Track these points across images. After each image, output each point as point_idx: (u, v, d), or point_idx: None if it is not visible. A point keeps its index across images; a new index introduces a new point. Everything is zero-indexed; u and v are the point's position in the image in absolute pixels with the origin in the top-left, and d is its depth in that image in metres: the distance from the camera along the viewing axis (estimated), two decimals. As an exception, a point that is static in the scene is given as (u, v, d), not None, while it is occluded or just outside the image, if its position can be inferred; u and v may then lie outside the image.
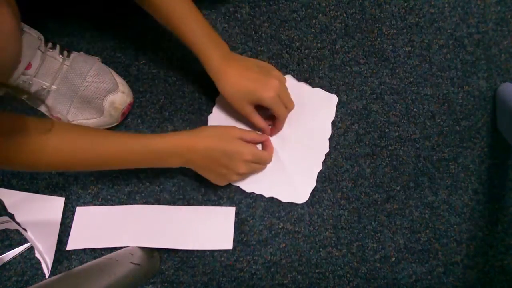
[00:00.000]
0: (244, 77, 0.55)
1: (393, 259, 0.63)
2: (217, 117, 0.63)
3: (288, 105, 0.59)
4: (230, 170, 0.56)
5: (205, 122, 0.64)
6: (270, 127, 0.62)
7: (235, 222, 0.61)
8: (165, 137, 0.53)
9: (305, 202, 0.62)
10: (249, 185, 0.62)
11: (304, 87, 0.64)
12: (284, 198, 0.62)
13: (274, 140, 0.62)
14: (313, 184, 0.62)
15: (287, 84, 0.62)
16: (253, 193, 0.62)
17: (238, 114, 0.60)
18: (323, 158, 0.63)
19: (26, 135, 0.45)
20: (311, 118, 0.63)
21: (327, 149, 0.63)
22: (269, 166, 0.62)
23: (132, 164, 0.54)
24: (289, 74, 0.64)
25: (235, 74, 0.55)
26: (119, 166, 0.53)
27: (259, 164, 0.60)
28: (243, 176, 0.60)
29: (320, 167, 0.63)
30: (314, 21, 0.66)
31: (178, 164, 0.55)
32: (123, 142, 0.52)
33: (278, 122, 0.60)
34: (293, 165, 0.62)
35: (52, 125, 0.48)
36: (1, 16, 0.31)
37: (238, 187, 0.62)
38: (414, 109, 0.65)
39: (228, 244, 0.60)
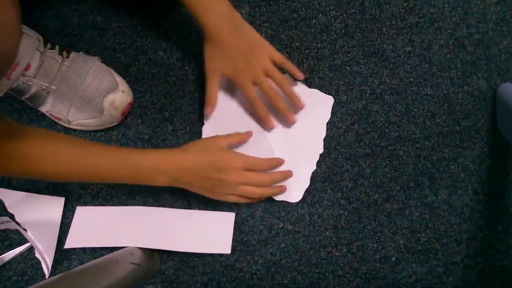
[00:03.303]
0: (226, 53, 0.54)
1: (393, 259, 0.63)
2: (212, 122, 0.63)
3: (280, 86, 0.57)
4: (223, 182, 0.54)
5: (205, 122, 0.64)
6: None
7: (236, 223, 0.61)
8: (150, 153, 0.52)
9: (304, 203, 0.62)
10: None
11: (300, 87, 0.64)
12: (277, 197, 0.62)
13: (269, 139, 0.62)
14: (306, 184, 0.62)
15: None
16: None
17: (232, 120, 0.60)
18: (317, 158, 0.63)
19: None
20: (306, 118, 0.63)
21: (321, 150, 0.63)
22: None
23: (114, 178, 0.51)
24: (286, 74, 0.64)
25: (221, 49, 0.53)
26: (99, 179, 0.51)
27: (254, 171, 0.57)
28: (240, 188, 0.56)
29: (314, 167, 0.63)
30: (314, 21, 0.66)
31: (166, 183, 0.53)
32: (105, 154, 0.50)
33: (251, 105, 0.59)
34: (287, 164, 0.62)
35: (27, 131, 0.46)
36: (4, 7, 0.31)
37: None
38: (414, 109, 0.65)
39: (226, 249, 0.60)
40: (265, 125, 0.61)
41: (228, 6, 0.53)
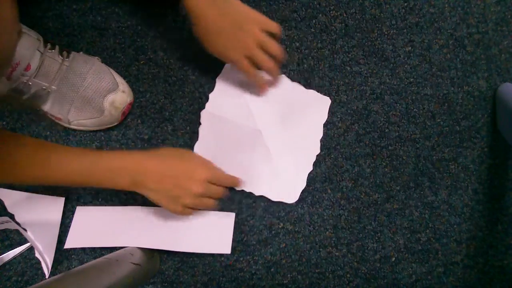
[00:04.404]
0: (214, 34, 0.53)
1: (393, 259, 0.63)
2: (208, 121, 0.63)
3: (274, 53, 0.56)
4: (184, 190, 0.53)
5: (205, 122, 0.64)
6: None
7: (236, 223, 0.61)
8: (115, 154, 0.51)
9: (304, 203, 0.62)
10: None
11: (297, 88, 0.64)
12: (274, 198, 0.62)
13: (266, 139, 0.62)
14: (303, 184, 0.62)
15: (280, 84, 0.63)
16: (251, 193, 0.62)
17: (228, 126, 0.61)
18: (314, 159, 0.63)
19: None
20: (303, 119, 0.63)
21: (318, 151, 0.63)
22: (260, 165, 0.62)
23: (76, 181, 0.50)
24: (282, 74, 0.64)
25: (209, 32, 0.53)
26: (60, 182, 0.50)
27: (216, 185, 0.56)
28: (200, 200, 0.55)
29: (310, 168, 0.63)
30: (314, 21, 0.66)
31: (127, 186, 0.51)
32: (68, 155, 0.48)
33: (247, 77, 0.58)
34: (284, 165, 0.62)
35: None
36: (1, 3, 0.31)
37: (231, 187, 0.62)
38: (414, 109, 0.65)
39: (226, 249, 0.60)
40: (263, 91, 0.62)
41: None
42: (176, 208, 0.54)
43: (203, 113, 0.63)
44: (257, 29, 0.54)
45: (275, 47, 0.56)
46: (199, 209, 0.58)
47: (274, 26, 0.56)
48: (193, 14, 0.53)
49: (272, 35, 0.56)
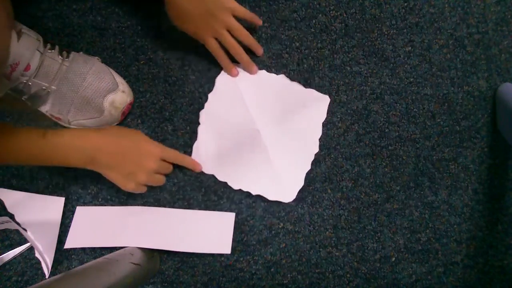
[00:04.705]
0: (186, 18, 0.55)
1: (393, 259, 0.63)
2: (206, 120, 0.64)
3: (241, 38, 0.59)
4: (139, 167, 0.55)
5: (205, 122, 0.64)
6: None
7: (236, 222, 0.61)
8: (70, 131, 0.51)
9: (304, 203, 0.62)
10: (236, 182, 0.62)
11: (296, 87, 0.64)
12: (271, 197, 0.62)
13: (264, 138, 0.62)
14: (300, 183, 0.62)
15: (279, 84, 0.63)
16: (249, 193, 0.62)
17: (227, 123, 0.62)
18: (312, 158, 0.63)
19: None
20: (302, 117, 0.63)
21: (316, 150, 0.63)
22: (258, 164, 0.62)
23: (28, 159, 0.50)
24: (282, 73, 0.64)
25: (180, 13, 0.55)
26: (14, 161, 0.50)
27: (167, 163, 0.59)
28: (150, 177, 0.57)
29: (308, 167, 0.63)
30: (314, 21, 0.66)
31: (81, 163, 0.52)
32: (21, 133, 0.48)
33: (217, 59, 0.61)
34: (281, 164, 0.62)
35: None
36: None
37: (230, 187, 0.62)
38: (414, 109, 0.65)
39: (226, 249, 0.60)
40: (230, 73, 0.63)
41: None
42: (130, 184, 0.56)
43: (202, 113, 0.63)
44: (228, 14, 0.56)
45: (243, 32, 0.59)
46: (151, 186, 0.60)
47: (243, 11, 0.58)
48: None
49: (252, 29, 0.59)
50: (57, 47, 0.57)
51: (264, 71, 0.64)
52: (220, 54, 0.61)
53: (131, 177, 0.56)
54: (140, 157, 0.55)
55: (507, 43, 0.66)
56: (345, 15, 0.66)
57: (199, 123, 0.63)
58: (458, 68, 0.66)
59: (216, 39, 0.59)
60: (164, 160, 0.59)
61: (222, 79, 0.64)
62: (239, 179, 0.62)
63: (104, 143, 0.52)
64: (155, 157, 0.57)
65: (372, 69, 0.65)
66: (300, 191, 0.62)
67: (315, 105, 0.64)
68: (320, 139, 0.63)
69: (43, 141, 0.49)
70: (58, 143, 0.50)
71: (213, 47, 0.60)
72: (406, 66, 0.66)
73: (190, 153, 0.62)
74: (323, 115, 0.64)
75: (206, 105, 0.63)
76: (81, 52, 0.60)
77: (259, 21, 0.61)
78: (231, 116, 0.63)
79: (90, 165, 0.53)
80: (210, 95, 0.63)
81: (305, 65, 0.65)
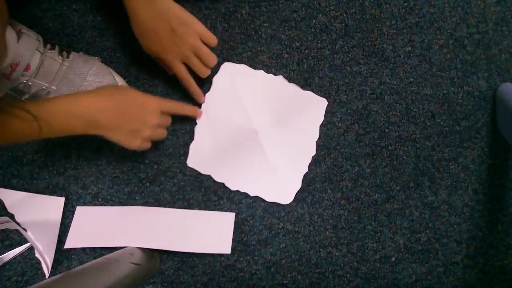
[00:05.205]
0: (150, 34, 0.54)
1: (393, 259, 0.63)
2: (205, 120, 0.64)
3: (208, 63, 0.58)
4: (144, 122, 0.53)
5: (205, 122, 0.64)
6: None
7: (236, 223, 0.61)
8: (63, 98, 0.48)
9: (304, 203, 0.62)
10: (234, 183, 0.62)
11: (294, 89, 0.64)
12: (268, 198, 0.62)
13: (262, 141, 0.62)
14: (298, 186, 0.62)
15: (277, 85, 0.63)
16: (247, 193, 0.62)
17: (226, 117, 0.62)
18: (309, 160, 0.63)
19: None
20: (299, 120, 0.63)
21: (314, 152, 0.63)
22: (256, 165, 0.62)
23: (28, 134, 0.47)
24: (280, 74, 0.64)
25: (144, 31, 0.53)
26: (13, 139, 0.47)
27: (168, 115, 0.58)
28: (153, 131, 0.56)
29: (306, 170, 0.63)
30: (314, 21, 0.66)
31: (82, 129, 0.50)
32: (12, 109, 0.44)
33: (183, 83, 0.59)
34: (279, 166, 0.62)
35: None
36: None
37: (227, 188, 0.62)
38: (414, 109, 0.65)
39: (226, 249, 0.60)
40: (199, 100, 0.62)
41: None
42: (136, 142, 0.54)
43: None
44: (193, 36, 0.55)
45: (210, 57, 0.57)
46: (154, 140, 0.58)
47: (208, 35, 0.56)
48: (130, 13, 0.53)
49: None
50: (57, 47, 0.57)
51: (262, 72, 0.64)
52: (190, 81, 0.59)
53: (135, 135, 0.53)
54: (141, 112, 0.53)
55: (507, 43, 0.66)
56: (345, 15, 0.66)
57: (195, 124, 0.63)
58: (458, 68, 0.66)
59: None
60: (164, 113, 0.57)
61: (219, 79, 0.64)
62: (237, 180, 0.62)
63: (102, 104, 0.49)
64: (156, 110, 0.54)
65: (372, 69, 0.65)
66: (300, 192, 0.62)
67: (313, 108, 0.64)
68: (319, 140, 0.63)
69: (40, 112, 0.45)
70: (55, 112, 0.47)
71: (182, 72, 0.57)
72: (406, 66, 0.66)
73: (186, 156, 0.62)
74: (320, 118, 0.64)
75: (203, 105, 0.63)
76: (81, 52, 0.60)
77: (214, 42, 0.58)
78: (229, 116, 0.63)
79: (92, 130, 0.51)
80: (207, 95, 0.63)
81: (305, 65, 0.65)
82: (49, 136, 0.50)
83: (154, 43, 0.55)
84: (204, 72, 0.58)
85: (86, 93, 0.51)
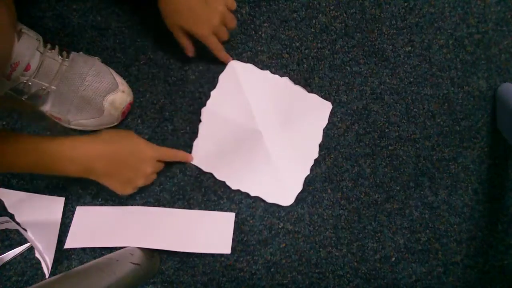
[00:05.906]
0: (183, 11, 0.54)
1: (393, 259, 0.63)
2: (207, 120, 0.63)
3: (231, 27, 0.59)
4: (137, 172, 0.54)
5: (205, 122, 0.64)
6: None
7: (236, 223, 0.61)
8: (62, 141, 0.49)
9: (304, 203, 0.62)
10: (235, 182, 0.62)
11: (299, 91, 0.64)
12: (269, 199, 0.62)
13: (265, 143, 0.62)
14: (299, 188, 0.62)
15: (282, 86, 0.63)
16: (248, 193, 0.62)
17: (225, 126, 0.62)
18: (311, 163, 0.63)
19: None
20: (304, 122, 0.63)
21: (316, 155, 0.63)
22: (258, 165, 0.62)
23: (22, 166, 0.48)
24: (286, 76, 0.64)
25: (174, 4, 0.54)
26: (11, 168, 0.49)
27: (162, 162, 0.59)
28: (146, 180, 0.57)
29: (308, 172, 0.63)
30: (314, 21, 0.66)
31: (77, 173, 0.51)
32: (14, 141, 0.46)
33: (215, 52, 0.61)
34: (281, 167, 0.62)
35: None
36: None
37: (229, 187, 0.62)
38: (414, 109, 0.65)
39: (226, 249, 0.60)
40: (227, 61, 0.63)
41: None
42: (128, 190, 0.56)
43: (203, 111, 0.63)
44: (221, 4, 0.56)
45: (233, 20, 0.59)
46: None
47: (232, 3, 0.58)
48: None
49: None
50: (57, 47, 0.57)
51: (268, 72, 0.64)
52: (221, 49, 0.60)
53: (129, 183, 0.55)
54: (137, 162, 0.54)
55: (507, 43, 0.66)
56: (345, 15, 0.66)
57: (200, 121, 0.63)
58: (458, 68, 0.66)
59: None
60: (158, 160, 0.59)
61: (225, 77, 0.63)
62: (238, 179, 0.62)
63: (99, 151, 0.51)
64: (152, 160, 0.56)
65: (372, 69, 0.65)
66: (300, 192, 0.62)
67: (317, 111, 0.64)
68: (320, 143, 0.63)
69: (39, 150, 0.47)
70: (53, 153, 0.48)
71: (217, 44, 0.59)
72: (406, 66, 0.66)
73: (190, 152, 0.62)
74: (324, 121, 0.64)
75: (208, 102, 0.63)
76: (81, 52, 0.60)
77: (235, 5, 0.59)
78: (233, 116, 0.63)
79: (87, 175, 0.52)
80: (212, 93, 0.63)
81: (305, 65, 0.65)
82: (45, 174, 0.51)
83: (187, 19, 0.55)
84: (227, 38, 0.60)
85: (84, 138, 0.52)
